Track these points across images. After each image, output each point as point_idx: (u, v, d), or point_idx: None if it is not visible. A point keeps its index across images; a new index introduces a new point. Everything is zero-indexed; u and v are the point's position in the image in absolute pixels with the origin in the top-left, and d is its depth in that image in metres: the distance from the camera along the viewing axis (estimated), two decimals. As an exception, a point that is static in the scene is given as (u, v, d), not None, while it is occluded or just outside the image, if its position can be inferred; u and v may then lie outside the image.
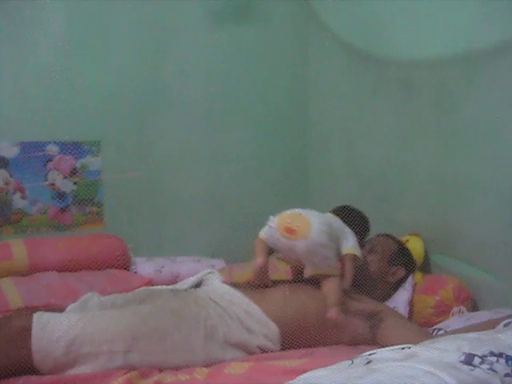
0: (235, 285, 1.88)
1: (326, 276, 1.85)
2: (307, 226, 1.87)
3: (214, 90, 3.01)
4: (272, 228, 1.91)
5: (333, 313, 1.77)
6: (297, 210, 1.94)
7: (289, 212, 1.94)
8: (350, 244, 1.96)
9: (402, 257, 2.14)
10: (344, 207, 2.15)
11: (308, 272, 1.86)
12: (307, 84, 3.18)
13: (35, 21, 2.65)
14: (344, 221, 2.03)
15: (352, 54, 2.74)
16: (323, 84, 3.09)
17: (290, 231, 1.88)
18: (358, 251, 1.97)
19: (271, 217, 1.96)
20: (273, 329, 1.75)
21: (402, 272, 2.11)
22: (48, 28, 2.67)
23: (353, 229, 2.03)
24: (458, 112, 2.16)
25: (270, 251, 1.93)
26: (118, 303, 1.75)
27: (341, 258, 1.94)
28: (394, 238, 2.19)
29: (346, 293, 1.91)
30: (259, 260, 1.87)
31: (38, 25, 2.65)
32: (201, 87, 3.00)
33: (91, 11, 2.75)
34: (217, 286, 1.87)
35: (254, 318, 1.75)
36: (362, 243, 2.09)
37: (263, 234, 1.95)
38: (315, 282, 1.93)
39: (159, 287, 2.01)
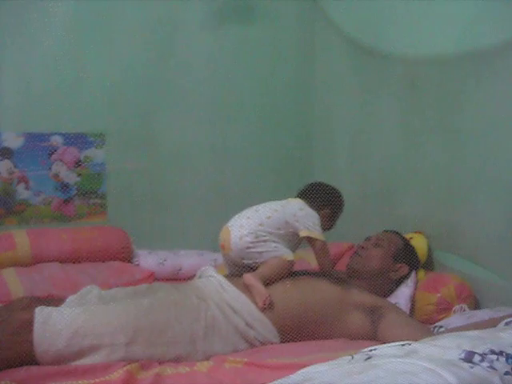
0: (233, 278, 1.88)
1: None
2: (228, 237, 1.92)
3: (219, 84, 3.01)
4: None
5: (248, 275, 1.82)
6: (229, 223, 1.97)
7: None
8: (301, 227, 1.93)
9: (406, 254, 2.13)
10: (313, 184, 2.10)
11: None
12: (313, 80, 3.17)
13: (41, 12, 2.65)
14: (315, 198, 2.02)
15: (358, 51, 2.74)
16: (329, 80, 3.08)
17: (221, 247, 1.95)
18: (313, 232, 1.94)
19: None
20: (266, 322, 1.75)
21: (405, 269, 2.10)
22: (54, 20, 2.66)
23: (326, 204, 2.02)
24: (462, 110, 2.15)
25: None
26: (119, 297, 1.75)
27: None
28: (400, 235, 2.19)
29: (348, 286, 1.92)
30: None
31: (43, 17, 2.64)
32: (206, 81, 2.99)
33: (97, 4, 2.75)
34: (212, 278, 1.88)
35: (246, 312, 1.75)
36: (337, 217, 2.08)
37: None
38: (319, 274, 1.94)
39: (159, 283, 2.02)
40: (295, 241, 1.96)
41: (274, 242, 1.90)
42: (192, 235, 2.93)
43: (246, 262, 1.89)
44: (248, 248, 1.87)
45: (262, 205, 2.01)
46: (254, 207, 2.00)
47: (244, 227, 1.90)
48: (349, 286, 1.93)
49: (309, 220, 1.95)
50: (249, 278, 1.81)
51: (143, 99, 2.88)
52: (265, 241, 1.89)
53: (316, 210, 2.00)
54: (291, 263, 1.90)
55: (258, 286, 1.79)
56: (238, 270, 1.92)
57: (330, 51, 3.04)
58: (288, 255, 1.90)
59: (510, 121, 1.94)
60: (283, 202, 2.03)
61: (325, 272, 1.97)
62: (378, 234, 2.16)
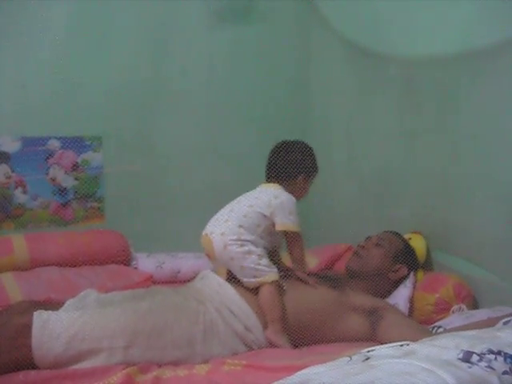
0: (234, 282, 1.86)
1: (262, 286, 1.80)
2: (211, 246, 1.84)
3: (216, 86, 3.01)
4: None
5: (269, 334, 1.74)
6: (208, 229, 1.89)
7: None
8: (277, 219, 1.85)
9: (406, 255, 2.13)
10: (278, 149, 2.03)
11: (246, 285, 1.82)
12: (309, 81, 3.17)
13: (37, 16, 2.64)
14: (285, 168, 1.94)
15: (354, 52, 2.73)
16: (325, 81, 3.08)
17: (208, 256, 1.89)
18: (288, 225, 1.86)
19: None
20: (258, 325, 1.75)
21: (404, 271, 2.11)
22: (49, 24, 2.66)
23: (299, 170, 1.94)
24: (458, 110, 2.15)
25: None
26: (117, 300, 1.75)
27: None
28: (400, 236, 2.19)
29: (347, 288, 1.92)
30: None
31: (39, 21, 2.64)
32: (203, 83, 2.99)
33: (93, 7, 2.75)
34: (212, 281, 1.87)
35: (244, 314, 1.75)
36: (313, 177, 2.01)
37: None
38: (318, 277, 1.93)
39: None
40: (278, 232, 1.87)
41: (258, 255, 1.80)
42: (190, 238, 2.90)
43: (234, 268, 1.82)
44: (232, 259, 1.80)
45: (236, 200, 1.93)
46: (229, 206, 1.91)
47: (225, 234, 1.81)
48: (347, 288, 1.93)
49: (284, 210, 1.85)
50: (272, 340, 1.73)
51: (140, 101, 2.87)
52: (249, 252, 1.79)
53: (291, 180, 1.94)
54: (277, 284, 1.81)
55: (286, 347, 1.73)
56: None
57: (326, 52, 3.03)
58: (270, 276, 1.80)
59: (506, 120, 1.95)
60: (257, 191, 1.95)
61: (296, 265, 1.91)
62: (378, 234, 2.17)
